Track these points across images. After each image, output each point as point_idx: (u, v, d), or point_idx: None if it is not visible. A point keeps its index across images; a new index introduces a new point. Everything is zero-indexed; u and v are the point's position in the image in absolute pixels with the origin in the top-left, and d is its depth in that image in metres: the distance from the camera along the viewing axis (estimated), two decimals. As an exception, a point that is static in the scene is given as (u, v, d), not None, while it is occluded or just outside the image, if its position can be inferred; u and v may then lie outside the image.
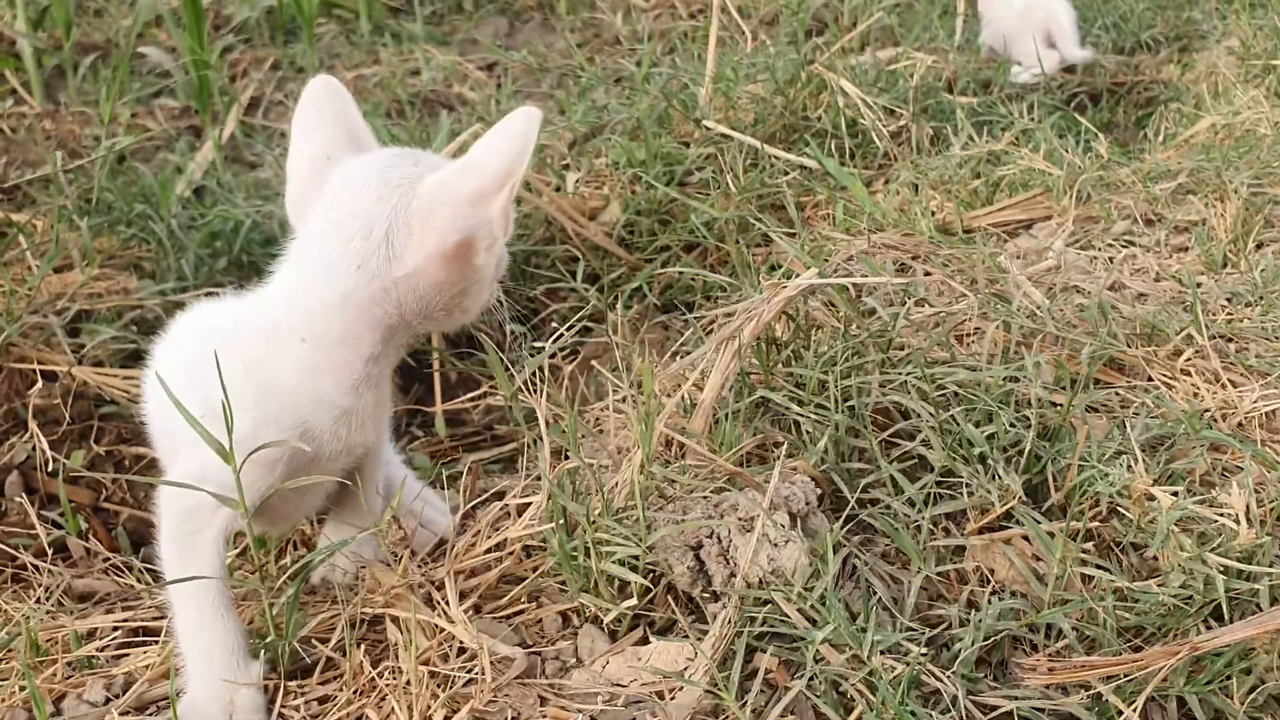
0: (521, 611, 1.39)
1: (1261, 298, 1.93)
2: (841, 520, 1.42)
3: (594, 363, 2.05)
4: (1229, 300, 1.95)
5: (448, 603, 1.33)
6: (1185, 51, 3.80)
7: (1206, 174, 2.35)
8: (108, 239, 2.28)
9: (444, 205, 1.21)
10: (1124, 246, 2.21)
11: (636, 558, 1.32)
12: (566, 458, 1.46)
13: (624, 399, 1.73)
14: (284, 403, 1.25)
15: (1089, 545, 1.41)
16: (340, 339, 1.24)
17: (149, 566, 1.62)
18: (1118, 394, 1.71)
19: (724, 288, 2.20)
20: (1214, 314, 1.91)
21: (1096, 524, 1.44)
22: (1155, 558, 1.39)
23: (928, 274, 1.91)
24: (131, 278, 2.21)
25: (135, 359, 2.00)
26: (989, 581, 1.40)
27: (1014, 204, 2.41)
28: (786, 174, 2.82)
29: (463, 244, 1.22)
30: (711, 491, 1.42)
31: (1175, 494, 1.35)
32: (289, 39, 4.22)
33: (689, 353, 1.79)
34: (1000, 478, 1.42)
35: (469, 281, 1.25)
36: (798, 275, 1.64)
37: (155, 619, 1.50)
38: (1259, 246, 2.13)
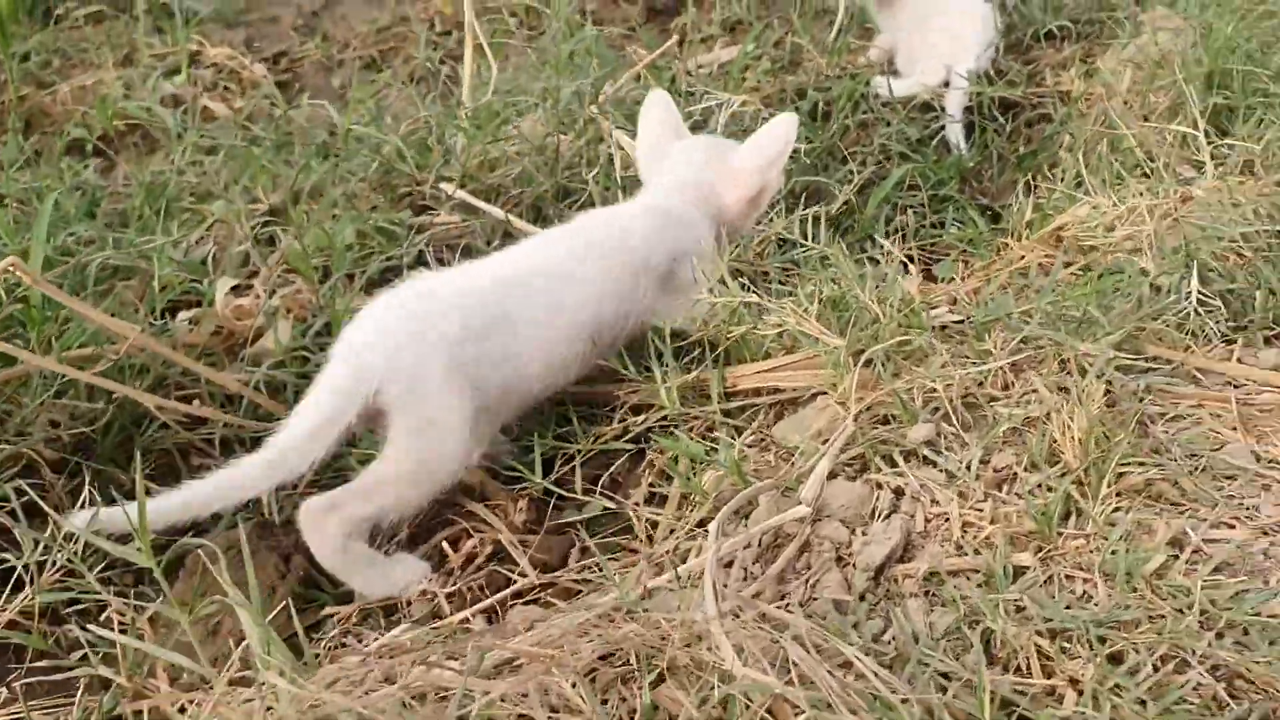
0: None
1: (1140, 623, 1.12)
2: None
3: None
4: (1054, 637, 1.13)
5: None
6: (1094, 42, 2.88)
7: (1055, 333, 1.51)
8: None
9: (750, 171, 1.76)
10: (924, 464, 1.39)
11: None
12: None
13: None
14: None
15: None
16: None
17: None
18: None
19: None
20: (1052, 656, 1.10)
21: None
22: None
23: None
24: None
25: None
26: None
27: (788, 365, 1.58)
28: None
29: (759, 193, 1.78)
30: None
31: None
32: (45, 21, 3.29)
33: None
34: None
35: (754, 212, 1.82)
36: None
37: None
38: (1119, 494, 1.30)
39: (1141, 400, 1.41)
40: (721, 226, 1.76)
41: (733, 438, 1.53)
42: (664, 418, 1.58)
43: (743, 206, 1.77)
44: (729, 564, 1.29)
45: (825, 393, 1.51)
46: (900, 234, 2.09)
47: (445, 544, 1.50)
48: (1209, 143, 1.96)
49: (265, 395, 1.70)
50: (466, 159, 2.15)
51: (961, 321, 1.70)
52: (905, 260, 2.03)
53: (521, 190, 2.13)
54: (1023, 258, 1.88)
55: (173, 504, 1.34)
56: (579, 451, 1.57)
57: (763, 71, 2.62)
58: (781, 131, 1.75)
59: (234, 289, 1.88)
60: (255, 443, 1.68)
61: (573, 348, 1.54)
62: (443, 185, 2.10)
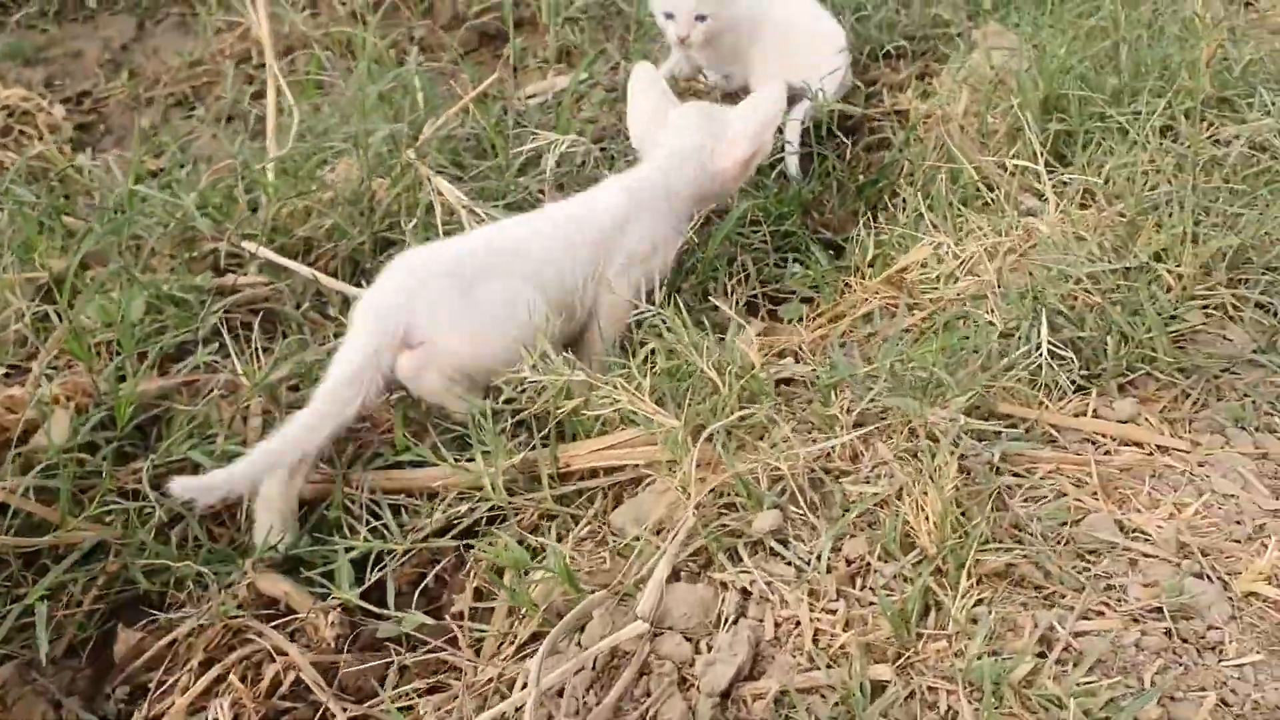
0: None
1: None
2: None
3: None
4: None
5: None
6: (931, 59, 2.78)
7: (903, 400, 1.37)
8: None
9: (746, 136, 1.78)
10: (771, 556, 1.24)
11: None
12: None
13: None
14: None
15: None
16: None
17: None
18: None
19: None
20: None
21: None
22: None
23: None
24: None
25: None
26: None
27: (625, 442, 1.41)
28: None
29: (751, 155, 1.80)
30: None
31: None
32: None
33: None
34: None
35: (746, 174, 1.84)
36: None
37: None
38: (979, 581, 1.17)
39: (997, 471, 1.29)
40: (712, 194, 1.85)
41: (566, 529, 1.35)
42: (493, 507, 1.40)
43: (738, 170, 1.81)
44: (560, 692, 1.12)
45: (667, 470, 1.34)
46: (744, 273, 1.96)
47: (237, 677, 1.29)
48: (1049, 171, 1.86)
49: (37, 503, 1.46)
50: (270, 212, 1.93)
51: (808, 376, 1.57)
52: (750, 302, 1.90)
53: (335, 244, 1.93)
54: (867, 300, 1.76)
55: (242, 472, 1.35)
56: (392, 553, 1.37)
57: (597, 102, 2.46)
58: (772, 97, 1.82)
59: (5, 376, 1.64)
60: (29, 560, 1.45)
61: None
62: (246, 244, 1.88)
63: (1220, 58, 2.06)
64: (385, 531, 1.41)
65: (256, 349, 1.69)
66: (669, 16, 2.34)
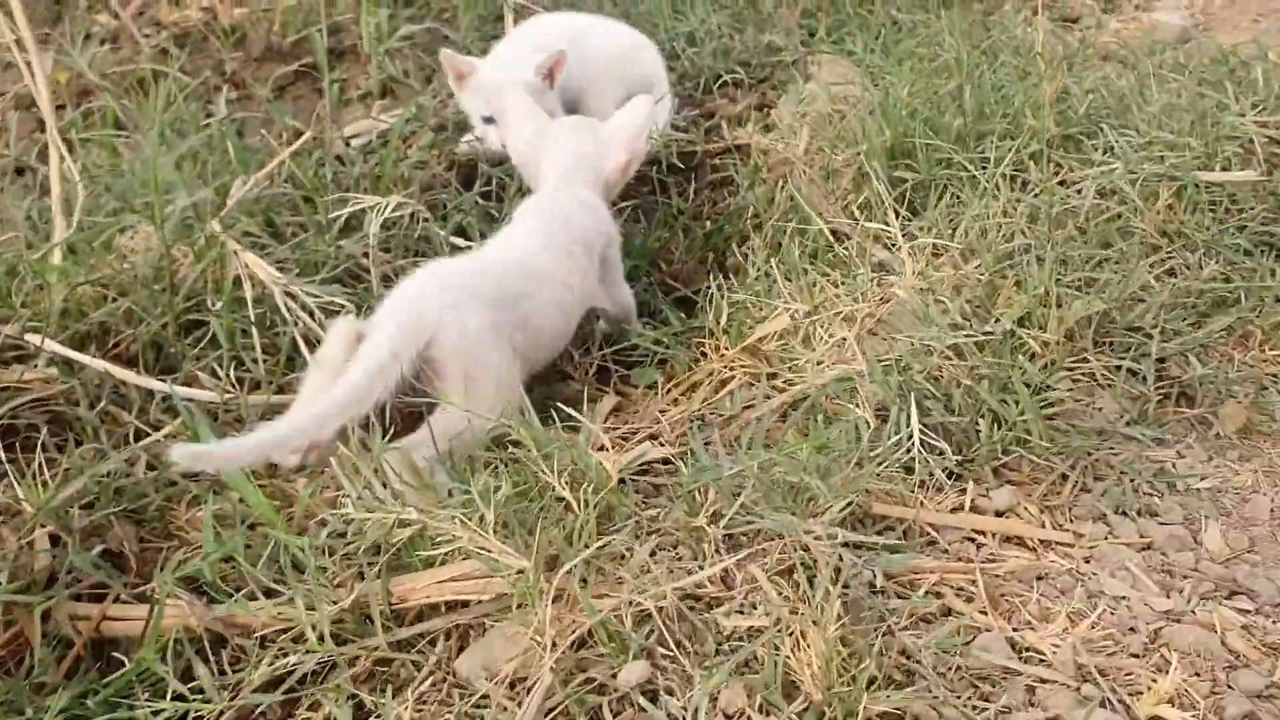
0: None
1: None
2: None
3: None
4: None
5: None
6: (768, 87, 2.65)
7: (776, 514, 1.22)
8: None
9: (623, 142, 1.85)
10: (639, 713, 1.07)
11: None
12: None
13: None
14: None
15: None
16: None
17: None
18: None
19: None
20: None
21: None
22: None
23: None
24: None
25: None
26: None
27: (469, 574, 1.23)
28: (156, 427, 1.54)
29: (629, 160, 1.86)
30: None
31: None
32: None
33: None
34: None
35: (624, 179, 1.89)
36: None
37: None
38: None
39: (880, 591, 1.15)
40: (601, 197, 1.86)
41: (408, 678, 1.16)
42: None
43: (619, 175, 1.87)
44: None
45: (518, 610, 1.16)
46: (594, 339, 1.80)
47: None
48: (901, 225, 1.74)
49: None
50: (58, 296, 1.66)
51: (668, 462, 1.42)
52: (600, 369, 1.74)
53: (135, 329, 1.68)
54: (724, 370, 1.61)
55: (248, 448, 1.28)
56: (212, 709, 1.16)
57: (426, 145, 2.25)
58: (642, 107, 1.89)
59: None
60: None
61: (560, 322, 1.63)
62: (30, 336, 1.61)
63: (1061, 92, 1.99)
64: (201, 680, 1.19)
65: (40, 462, 1.44)
66: (489, 121, 2.12)
